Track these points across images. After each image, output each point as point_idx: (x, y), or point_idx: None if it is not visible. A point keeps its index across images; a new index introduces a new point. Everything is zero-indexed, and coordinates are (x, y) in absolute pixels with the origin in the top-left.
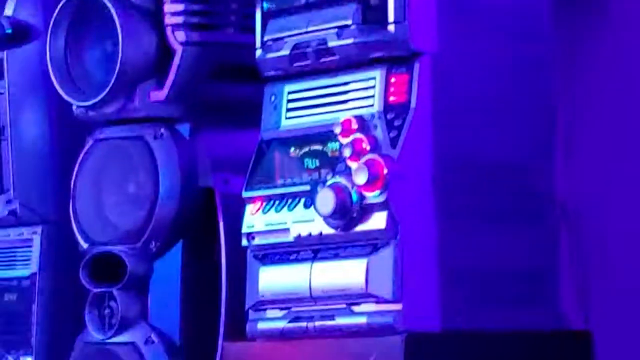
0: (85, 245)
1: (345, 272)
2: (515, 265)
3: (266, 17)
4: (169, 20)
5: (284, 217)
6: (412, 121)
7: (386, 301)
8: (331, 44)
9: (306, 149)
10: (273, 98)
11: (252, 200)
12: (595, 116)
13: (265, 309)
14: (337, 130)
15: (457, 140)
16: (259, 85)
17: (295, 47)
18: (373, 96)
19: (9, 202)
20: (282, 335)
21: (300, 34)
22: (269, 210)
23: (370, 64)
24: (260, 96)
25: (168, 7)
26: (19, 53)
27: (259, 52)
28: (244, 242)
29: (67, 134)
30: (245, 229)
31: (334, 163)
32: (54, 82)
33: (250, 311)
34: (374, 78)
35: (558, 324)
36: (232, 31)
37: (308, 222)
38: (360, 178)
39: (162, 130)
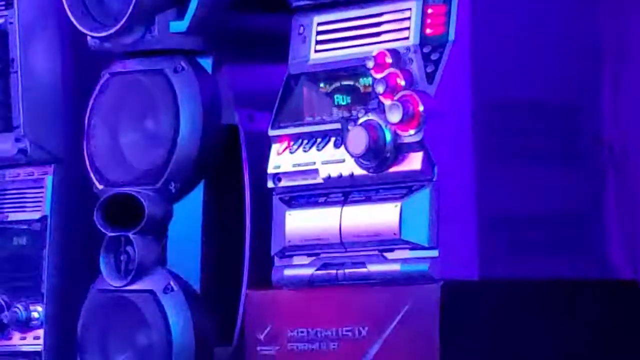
0: (100, 186)
1: (378, 217)
2: (558, 209)
3: None
4: None
5: (312, 157)
6: (450, 55)
7: (421, 247)
8: None
9: (336, 85)
10: (302, 29)
11: (278, 139)
12: None
13: (292, 256)
14: (370, 64)
15: (497, 77)
16: (287, 15)
17: None
18: (408, 28)
19: (18, 139)
20: (309, 284)
21: None
22: (296, 149)
23: None
24: (287, 27)
25: None
26: None
27: None
28: (270, 183)
29: (81, 67)
30: (271, 170)
31: (366, 99)
32: (67, 11)
33: (276, 258)
34: (409, 9)
35: (604, 273)
36: None
37: (338, 162)
38: (395, 116)
39: (183, 63)
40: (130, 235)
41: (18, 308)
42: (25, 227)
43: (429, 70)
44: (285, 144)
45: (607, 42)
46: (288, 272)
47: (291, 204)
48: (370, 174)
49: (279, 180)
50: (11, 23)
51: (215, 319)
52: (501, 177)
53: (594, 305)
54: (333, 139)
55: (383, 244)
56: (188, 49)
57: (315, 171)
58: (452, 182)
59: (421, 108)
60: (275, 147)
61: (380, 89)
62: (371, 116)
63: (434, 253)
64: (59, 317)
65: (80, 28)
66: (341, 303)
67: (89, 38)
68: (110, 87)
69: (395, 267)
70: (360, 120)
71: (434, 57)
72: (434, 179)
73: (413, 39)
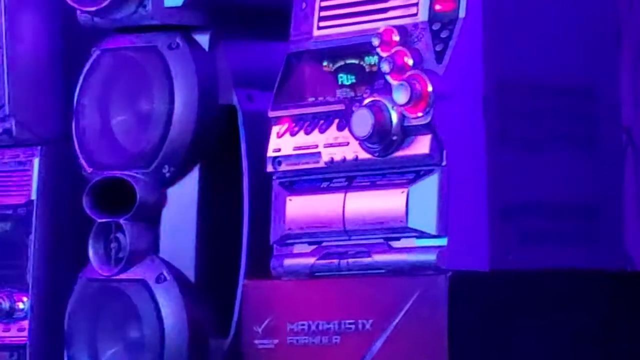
0: (89, 170)
1: (383, 203)
2: (574, 198)
3: None
4: None
5: (314, 140)
6: (461, 33)
7: (429, 236)
8: None
9: (341, 63)
10: (304, 5)
11: (278, 120)
12: None
13: (292, 244)
14: (376, 42)
15: (511, 57)
16: None
17: None
18: (417, 4)
19: (2, 119)
20: (311, 273)
21: None
22: (298, 131)
23: None
24: (289, 3)
25: None
26: None
27: None
28: (269, 167)
29: (70, 43)
30: (270, 153)
31: (371, 79)
32: None
33: (275, 246)
34: None
35: (621, 264)
36: None
37: (342, 145)
38: (402, 96)
39: (178, 39)
40: (121, 221)
41: (2, 298)
42: (10, 212)
43: (438, 48)
44: (286, 125)
45: (627, 25)
46: (288, 262)
47: (292, 189)
48: (375, 158)
49: (279, 163)
50: None
51: (211, 311)
52: (514, 163)
53: (609, 297)
54: (336, 121)
55: (389, 232)
56: (184, 24)
57: (318, 154)
58: (462, 167)
59: (430, 88)
60: (275, 129)
61: (386, 68)
62: (377, 97)
63: (442, 242)
64: (45, 307)
65: (69, 2)
66: (344, 294)
67: (78, 12)
68: (101, 65)
69: (402, 256)
70: (366, 101)
71: (443, 34)
72: (443, 164)
73: (422, 15)
